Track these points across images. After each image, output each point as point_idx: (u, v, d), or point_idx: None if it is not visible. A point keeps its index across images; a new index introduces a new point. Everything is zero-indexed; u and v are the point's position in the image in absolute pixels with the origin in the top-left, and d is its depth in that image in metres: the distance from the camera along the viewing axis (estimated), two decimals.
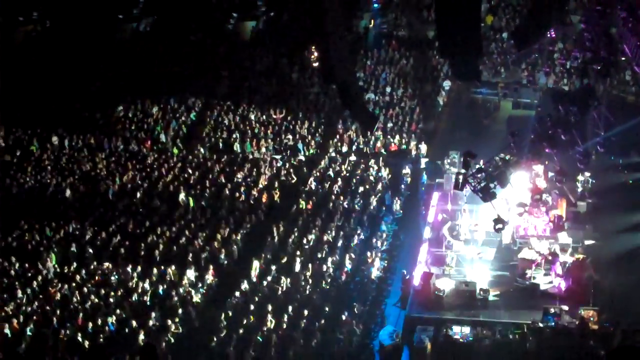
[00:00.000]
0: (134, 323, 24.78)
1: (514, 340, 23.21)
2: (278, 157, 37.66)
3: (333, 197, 33.29)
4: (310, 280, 27.39)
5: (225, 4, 49.33)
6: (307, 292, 26.70)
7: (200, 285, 27.29)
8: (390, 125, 39.04)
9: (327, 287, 27.10)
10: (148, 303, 26.26)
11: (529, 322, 23.67)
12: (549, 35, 35.57)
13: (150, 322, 24.89)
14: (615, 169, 34.56)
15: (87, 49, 44.80)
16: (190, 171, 36.21)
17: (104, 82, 43.58)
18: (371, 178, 34.86)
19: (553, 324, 23.10)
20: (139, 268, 28.33)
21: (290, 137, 38.89)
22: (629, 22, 30.51)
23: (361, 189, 33.95)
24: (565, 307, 24.06)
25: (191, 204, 33.19)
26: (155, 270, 27.97)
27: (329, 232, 30.39)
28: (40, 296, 26.52)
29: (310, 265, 28.09)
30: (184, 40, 46.56)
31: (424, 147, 37.38)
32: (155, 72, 43.99)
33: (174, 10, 47.91)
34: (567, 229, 28.98)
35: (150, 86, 42.93)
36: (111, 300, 26.24)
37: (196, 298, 26.68)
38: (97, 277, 27.74)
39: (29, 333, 24.36)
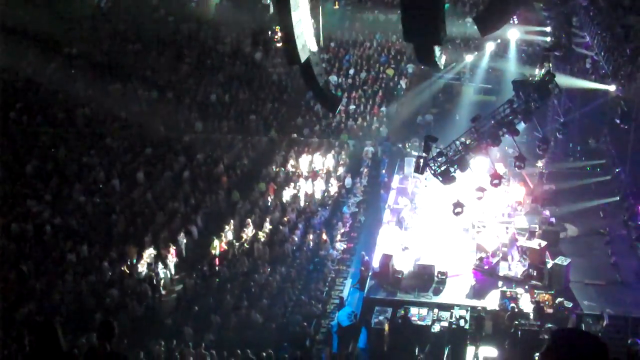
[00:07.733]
0: (92, 301, 24.62)
1: (470, 323, 23.45)
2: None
3: (294, 178, 33.31)
4: (269, 261, 27.43)
5: None
6: (267, 273, 26.71)
7: (159, 264, 27.16)
8: (352, 107, 39.06)
9: (287, 268, 27.14)
10: (106, 281, 26.08)
11: (485, 306, 23.96)
12: (511, 21, 35.72)
13: (108, 300, 24.75)
14: (574, 155, 35.09)
15: (47, 25, 44.03)
16: (151, 150, 35.94)
17: (65, 59, 42.94)
18: (332, 160, 34.89)
19: (509, 307, 23.38)
20: (97, 246, 28.12)
21: (253, 117, 38.74)
22: (590, 10, 30.80)
23: (322, 171, 33.99)
24: (522, 291, 24.36)
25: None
26: (114, 249, 27.76)
27: (289, 213, 30.44)
28: None
29: (269, 246, 28.14)
30: (146, 18, 45.98)
31: (385, 130, 37.49)
32: (116, 50, 43.47)
33: None
34: (525, 214, 29.39)
35: (111, 64, 42.40)
36: (69, 278, 25.99)
37: (155, 277, 26.56)
38: (55, 255, 27.47)
39: None
